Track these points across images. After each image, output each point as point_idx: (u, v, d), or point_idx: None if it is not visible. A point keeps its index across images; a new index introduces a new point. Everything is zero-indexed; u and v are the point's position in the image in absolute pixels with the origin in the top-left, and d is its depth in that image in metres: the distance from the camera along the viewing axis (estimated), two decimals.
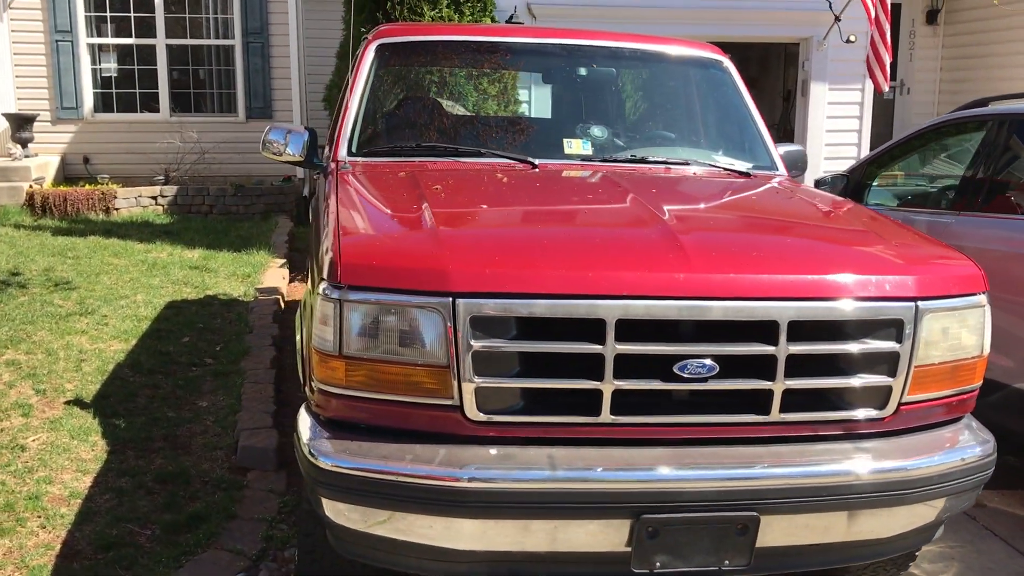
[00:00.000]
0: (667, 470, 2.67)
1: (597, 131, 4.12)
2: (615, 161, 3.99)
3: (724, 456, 2.74)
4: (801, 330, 2.74)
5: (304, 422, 2.86)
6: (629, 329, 2.66)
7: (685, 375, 2.70)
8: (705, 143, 4.38)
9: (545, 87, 4.26)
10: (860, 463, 2.77)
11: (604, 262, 2.71)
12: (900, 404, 2.87)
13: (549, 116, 4.21)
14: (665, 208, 3.13)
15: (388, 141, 4.08)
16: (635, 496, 2.65)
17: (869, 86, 10.03)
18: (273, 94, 12.49)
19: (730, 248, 2.87)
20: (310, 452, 2.71)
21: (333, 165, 3.95)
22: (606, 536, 2.68)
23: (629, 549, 2.69)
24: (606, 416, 2.70)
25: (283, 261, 9.11)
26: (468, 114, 4.20)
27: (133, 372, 5.58)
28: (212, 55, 12.63)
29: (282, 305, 7.50)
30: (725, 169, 4.08)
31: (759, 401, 2.77)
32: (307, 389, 2.94)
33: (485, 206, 3.19)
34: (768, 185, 3.85)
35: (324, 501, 2.71)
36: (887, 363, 2.82)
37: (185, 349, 6.13)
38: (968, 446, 2.94)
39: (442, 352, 2.64)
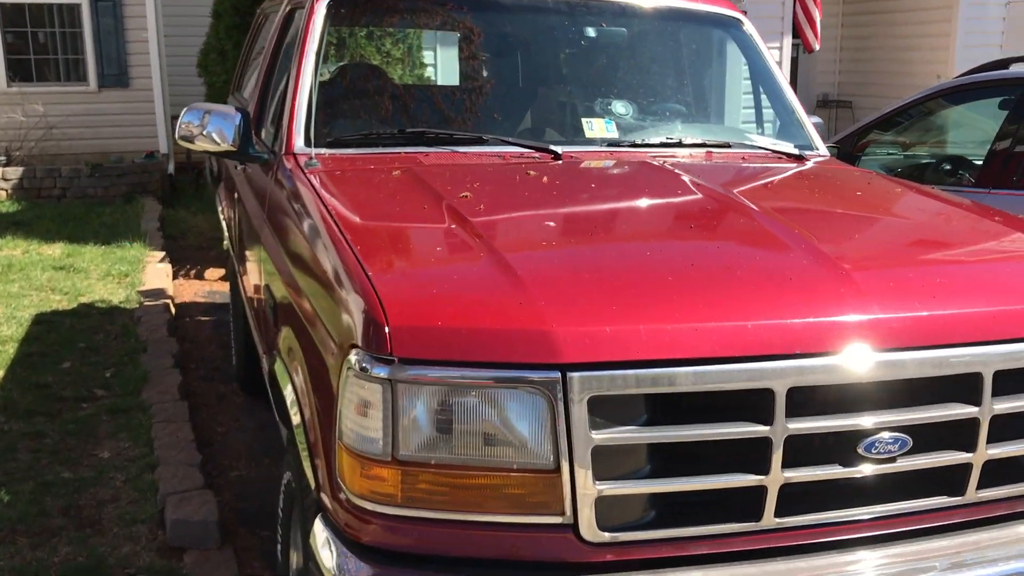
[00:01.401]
0: None
1: (621, 107, 3.30)
2: (647, 145, 3.19)
3: (919, 558, 2.03)
4: (1005, 382, 2.05)
5: (329, 551, 1.97)
6: (801, 401, 1.90)
7: (872, 455, 1.96)
8: (735, 119, 3.63)
9: (542, 52, 3.41)
10: None
11: (762, 308, 1.93)
12: None
13: (552, 89, 3.36)
14: (784, 219, 2.36)
15: (359, 127, 3.15)
16: None
17: (787, 44, 9.55)
18: (129, 59, 11.04)
19: (907, 276, 2.13)
20: None
21: (289, 160, 3.01)
22: None
23: None
24: (769, 519, 1.94)
25: (162, 254, 7.92)
26: (453, 88, 3.31)
27: (5, 416, 4.47)
28: (55, 15, 11.03)
29: (173, 311, 6.40)
30: (773, 152, 3.35)
31: (952, 479, 2.07)
32: (326, 496, 2.05)
33: (552, 224, 2.33)
34: (845, 174, 3.15)
35: None
36: None
37: (67, 378, 5.02)
38: None
39: (549, 449, 1.81)
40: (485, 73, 3.30)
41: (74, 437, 4.33)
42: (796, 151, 3.39)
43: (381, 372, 1.82)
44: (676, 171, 2.80)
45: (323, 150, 2.98)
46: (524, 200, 2.55)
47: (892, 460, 1.98)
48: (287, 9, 3.96)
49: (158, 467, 3.97)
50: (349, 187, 2.67)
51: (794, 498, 1.96)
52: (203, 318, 6.54)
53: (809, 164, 3.31)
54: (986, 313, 2.05)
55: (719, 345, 1.85)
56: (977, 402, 2.01)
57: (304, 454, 2.17)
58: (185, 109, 3.49)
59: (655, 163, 2.94)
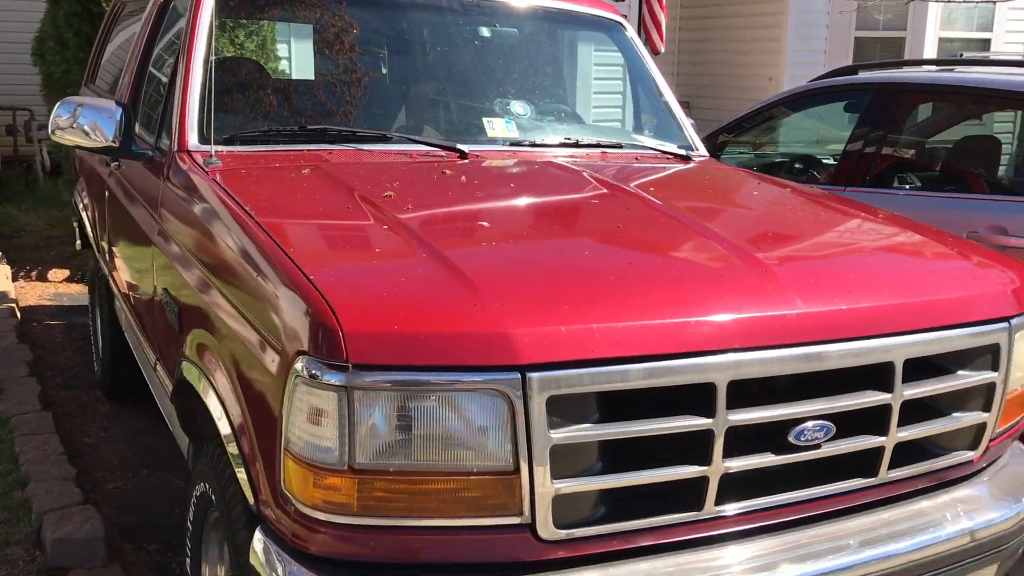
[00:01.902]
0: (788, 571, 2.04)
1: (519, 108, 3.33)
2: (546, 145, 3.24)
3: (839, 538, 2.16)
4: (912, 370, 2.20)
5: (273, 564, 1.92)
6: (738, 393, 1.98)
7: (801, 443, 2.08)
8: (622, 120, 3.73)
9: (437, 51, 3.39)
10: (974, 518, 2.31)
11: (702, 305, 2.00)
12: (990, 441, 2.43)
13: (449, 88, 3.34)
14: (700, 218, 2.46)
15: (257, 123, 3.05)
16: None
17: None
18: None
19: (826, 273, 2.25)
20: None
21: (184, 158, 2.88)
22: None
23: None
24: (709, 508, 2.02)
25: None
26: (351, 85, 3.24)
27: None
28: None
29: (18, 316, 5.99)
30: (661, 152, 3.46)
31: (867, 461, 2.21)
32: (267, 507, 1.99)
33: (486, 224, 2.33)
34: (735, 174, 3.29)
35: None
36: (983, 396, 2.36)
37: None
38: None
39: (508, 450, 1.83)
40: (384, 71, 3.26)
41: None
42: (682, 151, 3.52)
43: (335, 379, 1.78)
44: (585, 171, 2.85)
45: (219, 147, 2.87)
46: (450, 199, 2.55)
47: (817, 447, 2.10)
48: (160, 0, 3.79)
49: (29, 484, 3.72)
50: (262, 187, 2.59)
51: (730, 487, 2.04)
52: (53, 322, 6.16)
53: (694, 164, 3.44)
54: (895, 306, 2.19)
55: (666, 342, 1.91)
56: (889, 389, 2.16)
57: (238, 465, 2.10)
58: (60, 102, 3.30)
59: (561, 163, 2.99)
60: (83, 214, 4.63)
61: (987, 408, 2.37)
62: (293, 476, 1.86)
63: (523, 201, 2.65)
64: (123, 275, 3.74)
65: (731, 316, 1.99)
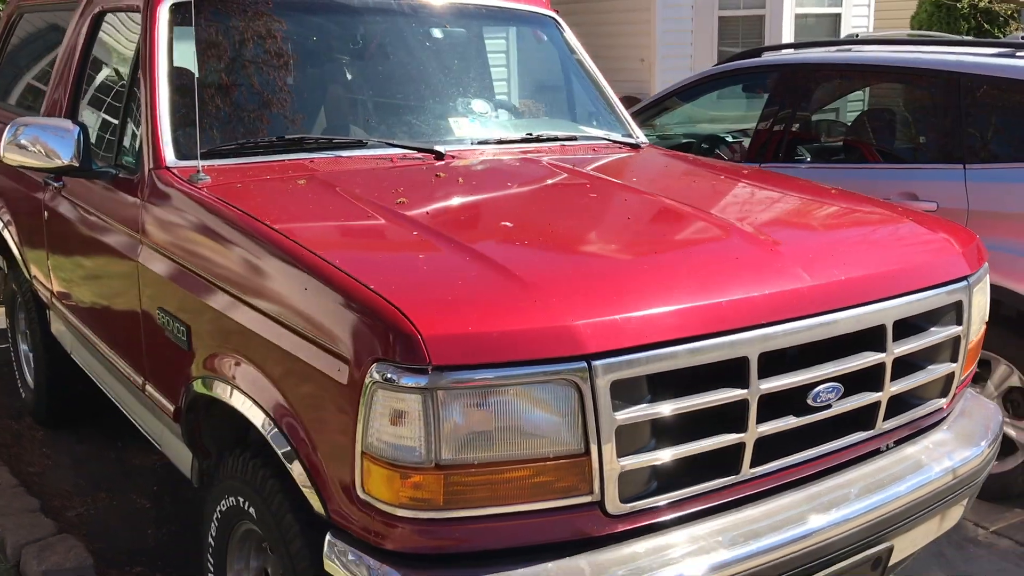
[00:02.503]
0: (820, 520, 2.25)
1: (479, 106, 3.43)
2: (510, 141, 3.36)
3: (850, 487, 2.39)
4: (899, 331, 2.45)
5: (356, 564, 1.99)
6: (767, 364, 2.18)
7: (817, 404, 2.29)
8: (566, 113, 3.88)
9: (391, 54, 3.44)
10: (956, 456, 2.58)
11: (728, 286, 2.18)
12: (955, 389, 2.72)
13: (408, 90, 3.41)
14: (693, 205, 2.64)
15: (230, 136, 3.04)
16: (803, 558, 2.21)
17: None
18: None
19: (820, 249, 2.47)
20: None
21: (165, 175, 2.87)
22: None
23: None
24: (745, 471, 2.21)
25: None
26: (316, 91, 3.26)
27: None
28: None
29: None
30: (613, 142, 3.64)
31: (865, 416, 2.44)
32: (341, 510, 2.05)
33: (509, 224, 2.43)
34: (692, 159, 3.49)
35: None
36: (951, 349, 2.64)
37: None
38: (995, 415, 2.89)
39: (578, 435, 1.96)
40: (348, 77, 3.30)
41: None
42: (631, 140, 3.70)
43: (417, 382, 1.87)
44: (565, 166, 2.99)
45: (196, 162, 2.86)
46: (460, 201, 2.64)
47: (829, 406, 2.32)
48: (95, 12, 3.70)
49: None
50: (269, 200, 2.61)
51: (758, 450, 2.23)
52: None
53: (644, 151, 3.63)
54: (882, 273, 2.43)
55: (706, 323, 2.08)
56: (883, 349, 2.40)
57: (299, 475, 2.14)
58: (11, 123, 3.21)
59: (542, 160, 3.12)
60: (7, 238, 4.44)
61: (954, 359, 2.64)
62: (376, 477, 1.94)
63: (527, 198, 2.77)
64: (80, 297, 3.65)
65: (756, 294, 2.18)
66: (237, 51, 3.17)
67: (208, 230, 2.55)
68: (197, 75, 3.03)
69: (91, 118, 3.62)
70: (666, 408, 2.05)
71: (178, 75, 3.07)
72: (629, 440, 2.02)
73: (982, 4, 11.25)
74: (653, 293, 2.09)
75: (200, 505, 2.85)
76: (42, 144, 3.14)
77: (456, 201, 2.67)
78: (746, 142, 5.47)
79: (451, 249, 2.22)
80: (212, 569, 2.70)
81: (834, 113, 4.78)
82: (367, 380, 1.92)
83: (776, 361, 2.22)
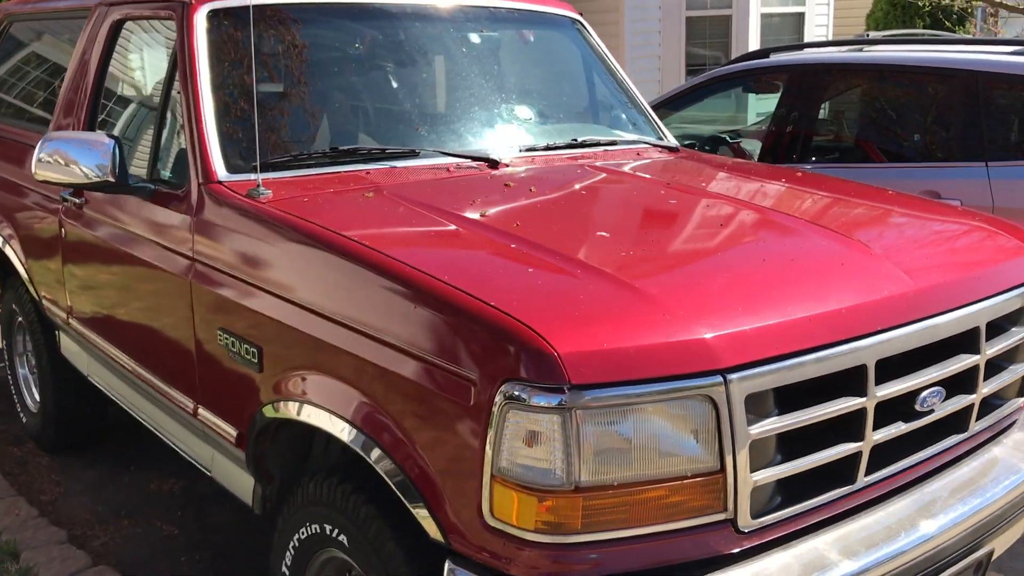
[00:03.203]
0: (931, 526, 2.23)
1: (523, 112, 3.36)
2: (557, 148, 3.30)
3: (954, 490, 2.37)
4: (989, 332, 2.44)
5: None
6: (882, 371, 2.15)
7: (923, 408, 2.27)
8: (603, 116, 3.83)
9: (436, 62, 3.36)
10: None
11: (847, 293, 2.14)
12: None
13: (455, 99, 3.32)
14: (777, 210, 2.61)
15: (279, 148, 2.93)
16: (919, 566, 2.18)
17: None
18: None
19: (915, 253, 2.45)
20: None
21: (219, 190, 2.75)
22: None
23: None
24: (860, 480, 2.17)
25: None
26: (362, 101, 3.16)
27: None
28: None
29: None
30: (654, 146, 3.60)
31: (960, 418, 2.43)
32: (461, 539, 1.97)
33: (605, 235, 2.36)
34: (742, 163, 3.46)
35: None
36: None
37: None
38: None
39: (713, 451, 1.91)
40: (394, 85, 3.21)
41: None
42: (668, 143, 3.67)
43: (554, 401, 1.80)
44: (626, 171, 2.95)
45: (255, 176, 2.75)
46: (544, 213, 2.57)
47: (933, 411, 2.30)
48: (113, 20, 3.56)
49: (21, 553, 3.44)
50: (346, 215, 2.51)
51: (872, 458, 2.20)
52: None
53: (685, 154, 3.60)
54: (974, 276, 2.42)
55: (830, 332, 2.05)
56: (977, 351, 2.38)
57: (414, 502, 2.05)
58: (44, 139, 3.08)
59: (592, 164, 3.07)
60: (12, 257, 4.25)
61: None
62: (508, 501, 1.86)
63: (609, 207, 2.71)
64: (107, 317, 3.50)
65: (871, 300, 2.14)
66: (279, 60, 3.06)
67: (288, 249, 2.44)
68: (244, 85, 2.91)
69: (115, 132, 3.48)
70: (793, 420, 2.00)
71: (222, 86, 2.96)
72: (758, 455, 1.98)
73: (942, 2, 11.47)
74: (777, 303, 2.05)
75: (244, 531, 2.73)
76: (75, 159, 3.00)
77: (538, 212, 2.60)
78: (744, 143, 5.48)
79: (559, 263, 2.15)
80: None
81: (851, 112, 4.79)
82: (497, 400, 1.85)
83: (882, 369, 2.19)
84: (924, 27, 13.52)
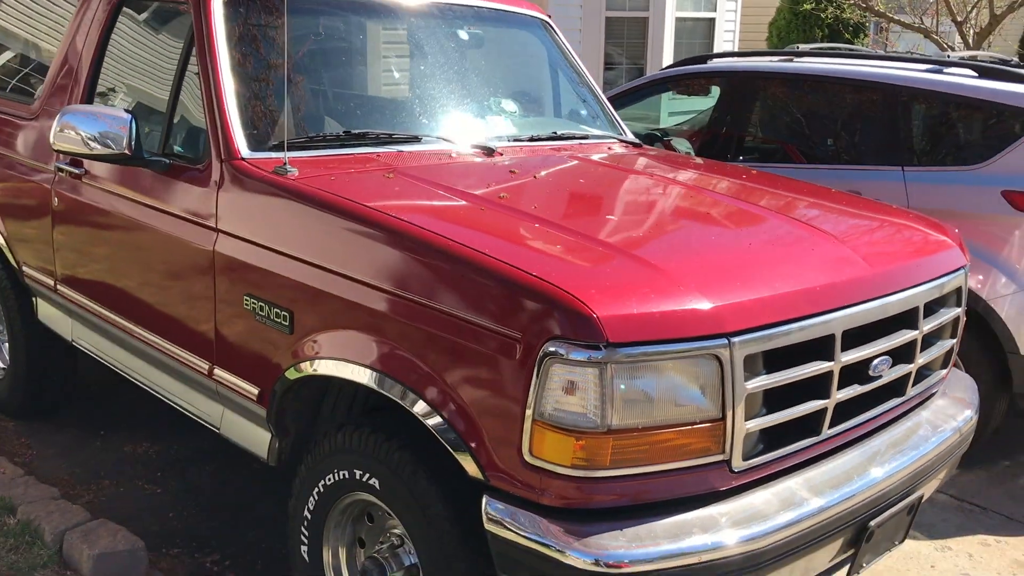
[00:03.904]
0: (878, 472, 2.65)
1: (508, 106, 3.67)
2: (539, 139, 3.62)
3: (896, 443, 2.80)
4: (926, 312, 2.88)
5: (527, 521, 2.23)
6: (846, 340, 2.55)
7: (875, 374, 2.68)
8: (572, 112, 4.17)
9: (429, 56, 3.61)
10: (959, 417, 3.04)
11: (820, 274, 2.54)
12: (951, 363, 3.18)
13: (448, 91, 3.59)
14: (748, 200, 2.99)
15: (294, 130, 3.16)
16: (870, 504, 2.60)
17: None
18: None
19: (870, 242, 2.87)
20: (596, 560, 2.15)
21: (243, 166, 2.97)
22: (835, 549, 2.59)
23: (846, 556, 2.64)
24: (824, 432, 2.58)
25: None
26: (368, 89, 3.40)
27: None
28: None
29: None
30: (622, 140, 3.96)
31: (899, 385, 2.86)
32: (500, 476, 2.28)
33: (612, 217, 2.69)
34: (697, 159, 3.84)
35: None
36: (951, 327, 3.10)
37: None
38: (972, 385, 3.37)
39: (717, 402, 2.27)
40: (395, 75, 3.47)
41: None
42: (632, 139, 4.04)
43: (593, 356, 2.13)
44: (614, 163, 3.29)
45: (281, 154, 2.98)
46: (554, 196, 2.89)
47: (881, 376, 2.72)
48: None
49: (18, 508, 3.57)
50: (375, 193, 2.77)
51: (836, 414, 2.60)
52: None
53: (650, 149, 3.97)
54: (916, 263, 2.86)
55: (809, 305, 2.43)
56: (915, 327, 2.82)
57: (458, 447, 2.34)
58: (64, 111, 3.24)
59: (581, 156, 3.40)
60: None
61: (953, 335, 3.11)
62: (549, 442, 2.18)
63: (608, 193, 3.04)
64: (105, 284, 3.65)
65: (838, 280, 2.55)
66: (289, 47, 3.27)
67: (324, 222, 2.69)
68: (266, 68, 3.13)
69: (119, 107, 3.63)
70: (779, 378, 2.39)
71: (240, 68, 3.17)
72: (749, 408, 2.35)
73: (843, 15, 12.20)
74: (767, 280, 2.42)
75: (242, 483, 2.90)
76: (93, 132, 3.17)
77: (549, 196, 2.92)
78: (674, 141, 5.91)
79: (580, 241, 2.48)
80: (306, 540, 2.85)
81: (783, 117, 5.25)
82: (540, 356, 2.16)
83: (846, 339, 2.59)
84: (823, 37, 14.28)
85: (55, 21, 4.18)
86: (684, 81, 5.70)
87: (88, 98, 3.74)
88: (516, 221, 2.62)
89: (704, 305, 2.25)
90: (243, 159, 3.01)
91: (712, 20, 12.83)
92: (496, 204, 2.71)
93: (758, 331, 2.31)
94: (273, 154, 3.03)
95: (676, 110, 7.54)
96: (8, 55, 4.67)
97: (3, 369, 4.66)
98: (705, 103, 6.03)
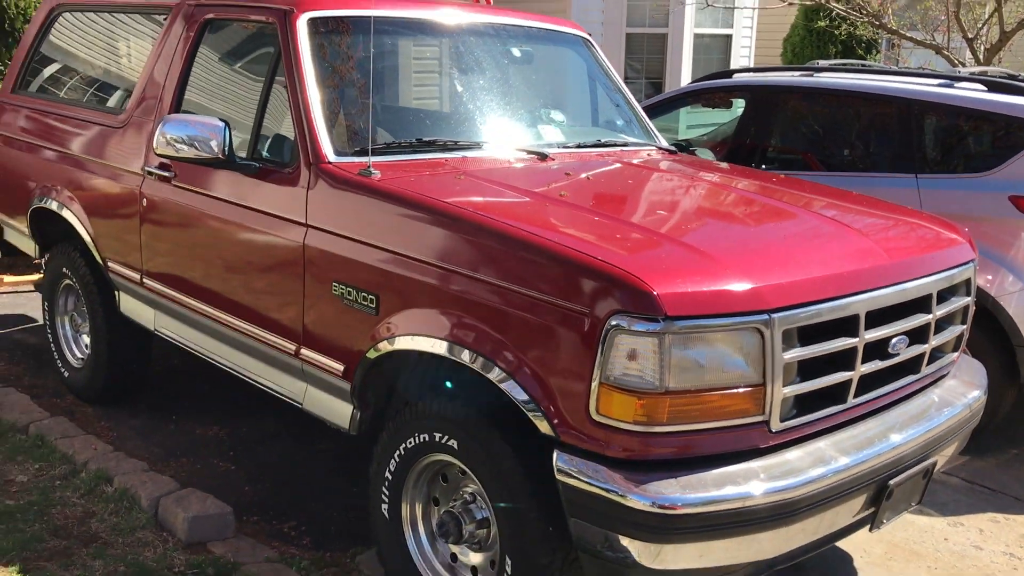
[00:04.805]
0: (897, 438, 3.00)
1: (556, 116, 4.06)
2: (587, 147, 4.00)
3: (912, 415, 3.15)
4: (938, 299, 3.24)
5: (594, 470, 2.60)
6: (869, 320, 2.91)
7: (893, 352, 3.04)
8: (612, 121, 4.54)
9: (485, 69, 4.00)
10: (968, 396, 3.39)
11: (846, 262, 2.90)
12: (962, 347, 3.53)
13: (503, 101, 3.97)
14: (780, 199, 3.36)
15: (378, 137, 3.54)
16: (890, 465, 2.94)
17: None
18: None
19: (889, 236, 3.23)
20: (653, 503, 2.51)
21: (328, 170, 3.35)
22: (859, 504, 2.94)
23: (868, 512, 2.99)
24: (850, 401, 2.93)
25: None
26: (433, 100, 3.79)
27: None
28: None
29: None
30: (659, 148, 4.33)
31: (914, 363, 3.21)
32: (569, 432, 2.64)
33: (663, 213, 3.07)
34: (728, 166, 4.22)
35: (665, 548, 2.55)
36: (962, 314, 3.45)
37: None
38: (981, 369, 3.72)
39: (758, 370, 2.63)
40: (459, 89, 3.86)
41: None
42: (668, 146, 4.41)
43: (653, 327, 2.49)
44: (657, 166, 3.67)
45: (366, 158, 3.36)
46: (608, 194, 3.27)
47: (899, 354, 3.07)
48: (203, 19, 4.10)
49: (114, 478, 3.95)
50: (452, 192, 3.15)
51: (860, 386, 2.95)
52: None
53: (684, 156, 4.35)
54: (931, 255, 3.21)
55: (842, 287, 2.80)
56: (929, 311, 3.17)
57: (528, 407, 2.71)
58: (165, 120, 3.63)
59: (627, 160, 3.78)
60: (76, 225, 4.70)
61: (963, 322, 3.46)
62: (614, 401, 2.54)
63: (655, 191, 3.42)
64: (193, 276, 4.01)
65: (861, 268, 2.91)
66: (366, 64, 3.65)
67: (410, 216, 3.06)
68: (348, 83, 3.52)
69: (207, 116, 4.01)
70: (812, 351, 2.74)
71: (324, 82, 3.55)
72: (785, 376, 2.70)
73: (856, 31, 12.55)
74: (801, 266, 2.79)
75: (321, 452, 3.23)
76: (191, 139, 3.56)
77: (603, 194, 3.29)
78: (698, 151, 6.28)
79: (638, 232, 2.86)
80: (387, 499, 3.22)
81: (803, 128, 5.62)
82: (606, 328, 2.53)
83: (868, 319, 2.95)
84: (836, 53, 14.64)
85: (134, 40, 4.58)
86: (710, 94, 6.08)
87: (175, 109, 4.13)
88: (577, 214, 2.99)
89: (747, 286, 2.61)
90: (330, 163, 3.39)
91: (729, 36, 13.22)
92: (558, 200, 3.09)
93: (794, 309, 2.67)
94: (355, 159, 3.41)
95: (693, 123, 7.93)
96: (90, 71, 5.07)
97: (81, 360, 5.05)
98: (721, 116, 6.41)
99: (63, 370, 5.15)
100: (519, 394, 2.74)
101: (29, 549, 3.46)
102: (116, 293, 4.63)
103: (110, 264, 4.58)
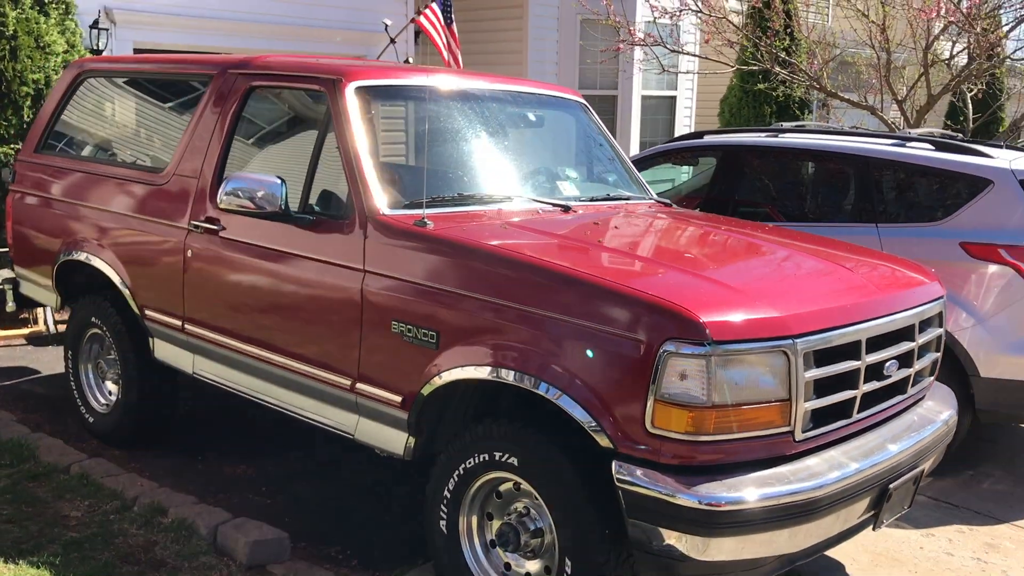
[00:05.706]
0: (894, 448, 3.48)
1: (572, 172, 4.53)
2: (597, 199, 4.49)
3: (903, 429, 3.64)
4: (920, 328, 3.76)
5: (648, 476, 3.01)
6: (868, 346, 3.40)
7: (887, 373, 3.53)
8: (609, 178, 5.03)
9: (499, 132, 4.46)
10: (944, 414, 3.90)
11: (849, 296, 3.41)
12: (936, 372, 4.06)
13: (521, 159, 4.44)
14: (777, 243, 3.87)
15: (418, 193, 3.96)
16: (889, 471, 3.42)
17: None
18: None
19: (876, 275, 3.75)
20: (700, 501, 2.93)
21: (384, 221, 3.75)
22: (863, 506, 3.40)
23: (870, 514, 3.45)
24: (854, 416, 3.41)
25: None
26: (469, 159, 4.22)
27: None
28: None
29: None
30: (657, 201, 4.83)
31: (902, 384, 3.71)
32: (626, 444, 3.05)
33: (691, 255, 3.55)
34: (717, 217, 4.74)
35: (710, 541, 2.97)
36: (936, 342, 3.98)
37: None
38: (950, 392, 4.25)
39: (785, 387, 3.09)
40: (489, 149, 4.31)
41: (24, 505, 4.29)
42: (664, 200, 4.91)
43: (701, 351, 2.94)
44: (668, 217, 4.16)
45: (401, 211, 3.78)
46: (636, 240, 3.73)
47: (891, 376, 3.57)
48: (248, 86, 4.49)
49: (168, 509, 4.22)
50: (502, 238, 3.57)
51: (861, 403, 3.43)
52: None
53: (679, 209, 4.85)
54: (913, 291, 3.74)
55: (847, 317, 3.29)
56: (913, 339, 3.69)
57: (588, 424, 3.12)
58: (229, 178, 4.00)
59: (638, 212, 4.26)
60: (111, 276, 4.99)
61: (938, 350, 3.99)
62: (668, 415, 2.97)
63: (677, 237, 3.89)
64: (239, 322, 4.34)
65: (860, 301, 3.41)
66: (408, 127, 4.10)
67: (468, 260, 3.47)
68: (396, 144, 3.94)
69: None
70: (827, 371, 3.22)
71: (373, 143, 3.97)
72: (807, 392, 3.17)
73: (793, 93, 13.40)
74: (814, 299, 3.28)
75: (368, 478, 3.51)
76: (253, 194, 3.94)
77: (631, 240, 3.76)
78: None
79: (674, 271, 3.32)
80: (445, 515, 3.58)
81: (770, 183, 6.20)
82: (660, 352, 2.97)
83: (868, 345, 3.44)
84: (772, 113, 15.50)
85: (169, 104, 4.95)
86: (681, 153, 6.65)
87: (221, 169, 4.48)
88: (617, 257, 3.45)
89: (775, 314, 3.09)
90: (384, 215, 3.79)
91: (673, 98, 14.00)
92: (598, 245, 3.54)
93: (813, 335, 3.15)
94: (404, 211, 3.82)
95: (650, 179, 8.56)
96: (119, 132, 5.40)
97: (106, 405, 5.29)
98: (675, 173, 7.00)
99: (87, 416, 5.37)
100: (581, 415, 3.15)
101: (105, 575, 3.72)
102: (151, 340, 4.91)
103: (147, 312, 4.86)
